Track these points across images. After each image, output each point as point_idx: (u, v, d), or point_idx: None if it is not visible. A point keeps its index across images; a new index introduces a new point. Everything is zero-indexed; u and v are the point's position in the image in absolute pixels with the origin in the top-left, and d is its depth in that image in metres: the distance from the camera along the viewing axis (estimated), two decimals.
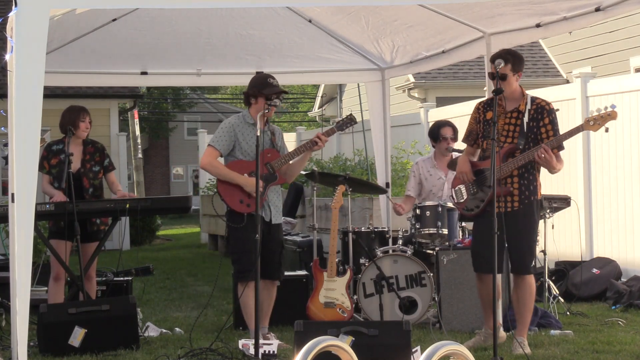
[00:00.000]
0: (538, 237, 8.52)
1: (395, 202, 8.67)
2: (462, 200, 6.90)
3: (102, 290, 8.15)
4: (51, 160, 7.62)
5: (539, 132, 6.59)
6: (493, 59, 6.57)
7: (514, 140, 6.59)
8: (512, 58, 6.61)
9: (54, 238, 7.55)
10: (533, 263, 6.68)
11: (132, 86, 16.86)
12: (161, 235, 21.16)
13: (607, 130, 6.41)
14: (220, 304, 9.27)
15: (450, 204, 7.78)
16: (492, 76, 6.49)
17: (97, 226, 7.72)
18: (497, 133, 6.69)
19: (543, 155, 6.43)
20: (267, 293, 7.09)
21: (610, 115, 6.35)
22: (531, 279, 6.70)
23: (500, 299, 6.97)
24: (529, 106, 6.61)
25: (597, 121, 6.37)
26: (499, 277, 6.57)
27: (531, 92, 10.83)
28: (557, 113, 6.69)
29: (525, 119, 6.56)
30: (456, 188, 6.95)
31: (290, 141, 17.55)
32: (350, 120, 7.22)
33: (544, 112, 6.61)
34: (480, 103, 6.91)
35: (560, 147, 6.60)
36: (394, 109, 14.03)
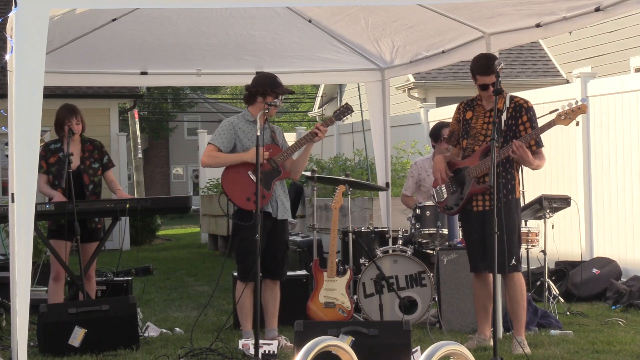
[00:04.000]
0: (537, 237, 8.59)
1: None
2: (442, 200, 6.96)
3: (102, 290, 8.15)
4: (49, 159, 7.60)
5: (517, 130, 6.63)
6: (489, 62, 6.57)
7: None
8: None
9: (54, 238, 7.54)
10: (514, 262, 6.61)
11: (132, 86, 16.85)
12: (161, 235, 21.16)
13: (577, 124, 6.43)
14: (220, 304, 9.27)
15: None
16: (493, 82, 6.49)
17: (96, 224, 7.70)
18: (477, 132, 6.72)
19: (516, 151, 6.44)
20: (270, 293, 7.08)
21: (580, 109, 6.36)
22: (519, 278, 6.69)
23: (500, 300, 6.96)
24: (507, 104, 6.63)
25: (568, 115, 6.39)
26: (498, 277, 6.54)
27: (531, 92, 10.83)
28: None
29: (504, 117, 6.57)
30: (437, 188, 7.01)
31: (290, 141, 17.52)
32: (346, 109, 7.19)
33: (522, 110, 6.65)
34: (461, 103, 6.98)
35: (539, 144, 6.63)
36: (394, 109, 14.03)
